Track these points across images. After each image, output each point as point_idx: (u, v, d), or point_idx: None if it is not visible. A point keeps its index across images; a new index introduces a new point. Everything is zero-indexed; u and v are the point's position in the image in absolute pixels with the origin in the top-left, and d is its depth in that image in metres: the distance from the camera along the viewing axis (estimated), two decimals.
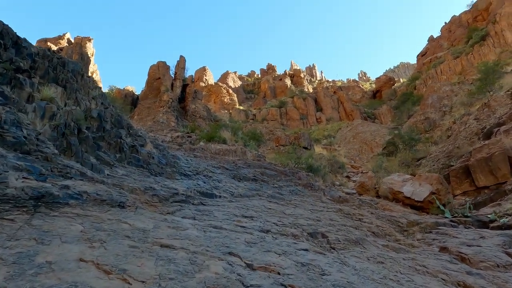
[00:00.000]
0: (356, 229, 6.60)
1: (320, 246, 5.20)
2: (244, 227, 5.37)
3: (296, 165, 14.59)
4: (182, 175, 8.98)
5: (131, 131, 10.05)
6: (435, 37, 70.04)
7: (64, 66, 7.84)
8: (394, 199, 11.86)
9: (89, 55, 55.03)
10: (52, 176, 4.40)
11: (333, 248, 5.19)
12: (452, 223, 8.49)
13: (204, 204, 7.04)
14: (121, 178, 6.38)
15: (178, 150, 14.26)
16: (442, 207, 9.96)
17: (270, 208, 7.41)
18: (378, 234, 6.67)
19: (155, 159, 8.67)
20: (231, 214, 6.42)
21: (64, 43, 49.98)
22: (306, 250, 4.40)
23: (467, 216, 9.20)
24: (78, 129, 6.72)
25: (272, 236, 5.05)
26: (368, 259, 4.76)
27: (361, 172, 20.19)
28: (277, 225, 5.82)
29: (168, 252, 3.21)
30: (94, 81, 9.12)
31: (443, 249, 6.61)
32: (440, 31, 67.90)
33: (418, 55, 72.08)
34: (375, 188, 13.29)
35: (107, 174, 6.35)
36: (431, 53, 66.86)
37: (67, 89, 7.39)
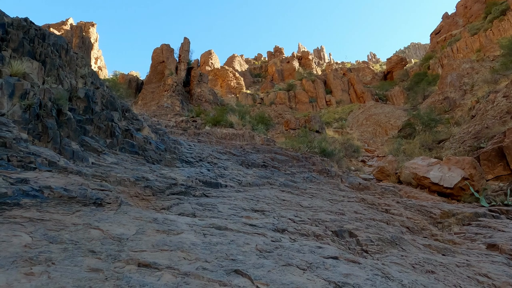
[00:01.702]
0: (387, 224, 5.56)
1: (350, 250, 4.19)
2: (254, 225, 4.37)
3: (309, 150, 13.50)
4: (183, 162, 8.00)
5: (126, 114, 9.05)
6: (449, 14, 67.02)
7: (44, 38, 6.79)
8: (418, 185, 10.75)
9: (93, 40, 53.92)
10: (7, 167, 3.42)
11: (366, 252, 4.17)
12: (493, 213, 7.38)
13: (207, 196, 6.06)
14: (108, 167, 5.41)
15: (182, 135, 13.29)
16: (476, 194, 8.83)
17: (284, 200, 6.40)
18: (413, 230, 5.62)
19: (152, 144, 7.68)
20: (239, 208, 5.43)
21: (67, 28, 48.85)
22: (335, 258, 3.39)
23: (507, 205, 8.07)
24: (58, 110, 5.72)
25: (290, 238, 4.04)
26: (414, 266, 3.73)
27: (377, 156, 19.03)
28: (294, 222, 4.81)
29: (146, 277, 2.22)
30: (83, 58, 8.07)
31: (492, 246, 5.55)
32: (455, 7, 64.78)
33: (431, 34, 69.16)
34: (396, 173, 12.17)
35: (92, 163, 5.38)
36: (446, 31, 64.04)
37: (46, 65, 6.37)
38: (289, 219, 4.95)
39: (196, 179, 6.69)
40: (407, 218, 6.57)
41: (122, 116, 8.54)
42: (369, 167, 16.94)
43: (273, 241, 3.75)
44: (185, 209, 4.87)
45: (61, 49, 7.29)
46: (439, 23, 68.96)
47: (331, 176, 9.98)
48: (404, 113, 27.56)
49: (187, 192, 5.85)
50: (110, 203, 3.69)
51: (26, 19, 6.72)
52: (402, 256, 4.07)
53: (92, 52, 47.04)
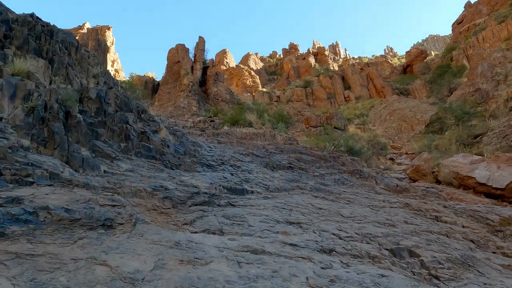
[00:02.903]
0: (447, 236, 4.69)
1: (415, 274, 3.37)
2: (295, 245, 3.62)
3: (335, 148, 12.62)
4: (205, 166, 7.32)
5: (142, 116, 8.46)
6: (472, 3, 64.21)
7: (51, 35, 6.23)
8: (461, 185, 9.72)
9: (109, 44, 54.42)
10: None
11: (437, 278, 3.34)
12: None
13: (233, 205, 5.35)
14: (122, 176, 4.77)
15: (200, 136, 12.66)
16: None
17: (320, 208, 5.61)
18: (479, 244, 4.73)
19: (170, 147, 7.04)
20: (271, 220, 4.69)
21: (84, 32, 49.33)
22: None
23: None
24: (66, 112, 5.13)
25: (342, 262, 3.27)
26: None
27: (406, 153, 17.90)
28: (340, 238, 4.03)
29: None
30: (95, 56, 7.51)
31: None
32: None
33: (453, 24, 66.47)
34: (433, 172, 11.14)
35: (104, 171, 4.76)
36: (469, 20, 61.33)
37: (54, 63, 5.80)
38: (333, 234, 4.17)
39: (220, 185, 5.99)
40: (464, 227, 5.67)
41: (138, 117, 7.94)
42: (398, 165, 15.88)
43: (323, 268, 2.99)
44: (211, 223, 4.17)
45: (71, 47, 6.73)
46: (461, 12, 66.23)
47: (364, 177, 9.10)
48: (430, 107, 26.12)
49: (211, 201, 5.16)
50: (122, 224, 3.02)
51: (32, 15, 6.18)
52: (486, 285, 3.22)
53: (108, 55, 47.31)
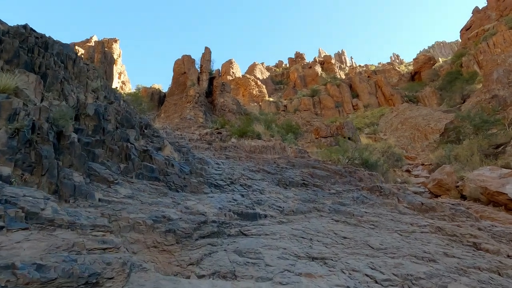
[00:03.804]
0: (499, 274, 3.98)
1: None
2: None
3: (349, 161, 11.93)
4: (212, 186, 6.71)
5: (146, 131, 7.93)
6: (480, 8, 63.58)
7: (46, 48, 5.75)
8: (490, 202, 8.94)
9: (116, 56, 54.71)
10: None
11: None
12: None
13: (245, 234, 4.71)
14: (119, 204, 4.17)
15: (207, 150, 12.08)
16: None
17: (344, 237, 4.93)
18: None
19: (175, 167, 6.45)
20: (291, 255, 4.04)
21: (91, 45, 49.67)
22: None
23: None
24: (58, 133, 4.59)
25: None
26: None
27: (422, 165, 17.09)
28: (377, 282, 3.35)
29: None
30: (95, 69, 7.03)
31: None
32: (486, 1, 61.33)
33: (461, 30, 65.73)
34: (457, 186, 10.37)
35: (99, 200, 4.17)
36: (477, 26, 60.59)
37: (47, 78, 5.30)
38: (367, 275, 3.50)
39: (230, 210, 5.36)
40: (509, 257, 4.94)
41: (141, 133, 7.40)
42: (415, 177, 15.08)
43: None
44: (221, 263, 3.54)
45: (68, 60, 6.24)
46: (469, 18, 65.61)
47: (385, 194, 8.38)
48: (444, 115, 25.26)
49: (220, 231, 4.53)
50: (112, 278, 2.41)
51: (25, 26, 5.71)
52: None
53: (115, 68, 47.44)
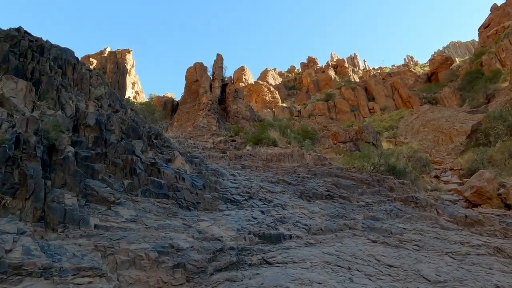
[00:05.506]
0: None
1: None
2: None
3: (375, 168, 11.01)
4: (228, 202, 5.96)
5: (155, 141, 7.28)
6: (499, 6, 61.58)
7: (42, 52, 5.18)
8: None
9: (129, 67, 55.18)
10: None
11: None
12: None
13: (269, 263, 3.93)
14: (119, 231, 3.47)
15: (221, 159, 11.38)
16: None
17: (389, 265, 4.09)
18: None
19: (186, 181, 5.74)
20: None
21: (103, 56, 50.16)
22: None
23: None
24: (50, 146, 3.94)
25: None
26: None
27: (450, 169, 15.93)
28: None
29: None
30: (98, 76, 6.44)
31: None
32: None
33: (479, 28, 63.74)
34: (499, 195, 9.30)
35: (95, 226, 3.48)
36: (496, 23, 58.60)
37: (41, 85, 4.69)
38: None
39: (250, 232, 4.59)
40: None
41: (149, 144, 6.75)
42: (445, 183, 13.96)
43: None
44: None
45: (67, 65, 5.66)
46: (487, 16, 63.60)
47: (422, 206, 7.46)
48: (469, 116, 23.89)
49: (240, 261, 3.76)
50: None
51: (18, 29, 5.16)
52: None
53: (128, 78, 47.72)
